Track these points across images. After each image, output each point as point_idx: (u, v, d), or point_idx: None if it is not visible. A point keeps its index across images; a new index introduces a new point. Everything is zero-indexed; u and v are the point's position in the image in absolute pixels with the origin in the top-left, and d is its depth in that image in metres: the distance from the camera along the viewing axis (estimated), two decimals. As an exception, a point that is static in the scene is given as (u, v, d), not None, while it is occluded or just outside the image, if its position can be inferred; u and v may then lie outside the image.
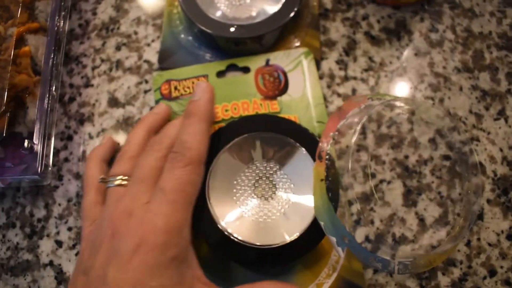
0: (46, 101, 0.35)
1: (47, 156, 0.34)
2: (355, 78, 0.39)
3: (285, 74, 0.38)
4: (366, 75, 0.39)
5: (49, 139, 0.35)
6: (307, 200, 0.32)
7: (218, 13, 0.39)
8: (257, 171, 0.34)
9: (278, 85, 0.38)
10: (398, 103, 0.35)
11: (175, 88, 0.38)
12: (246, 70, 0.39)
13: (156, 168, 0.29)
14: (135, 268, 0.25)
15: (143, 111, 0.38)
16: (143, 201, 0.28)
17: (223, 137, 0.33)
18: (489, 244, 0.34)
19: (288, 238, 0.31)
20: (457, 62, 0.40)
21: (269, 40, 0.39)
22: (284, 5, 0.38)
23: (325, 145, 0.33)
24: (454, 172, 0.36)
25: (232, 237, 0.31)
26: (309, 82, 0.38)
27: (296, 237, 0.31)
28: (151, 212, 0.27)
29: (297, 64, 0.38)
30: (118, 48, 0.40)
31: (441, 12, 0.41)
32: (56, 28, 0.36)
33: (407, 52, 0.40)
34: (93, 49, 0.41)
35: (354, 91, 0.38)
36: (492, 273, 0.33)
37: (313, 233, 0.31)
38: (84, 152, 0.37)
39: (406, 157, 0.36)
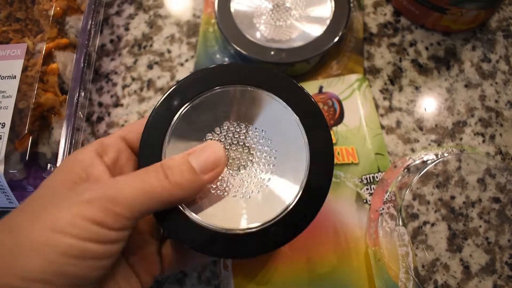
0: (72, 123, 0.33)
1: (72, 179, 0.33)
2: (400, 109, 0.36)
3: (339, 102, 0.36)
4: (412, 106, 0.37)
5: (75, 161, 0.33)
6: (292, 174, 0.26)
7: (257, 34, 0.36)
8: (230, 135, 0.27)
9: (333, 114, 0.36)
10: (440, 162, 0.34)
11: None
12: None
13: None
14: None
15: (173, 134, 0.36)
16: None
17: (183, 94, 0.26)
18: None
19: (261, 222, 0.25)
20: (511, 96, 0.37)
21: (316, 59, 0.36)
22: (327, 28, 0.36)
23: (376, 223, 0.32)
24: (504, 216, 0.33)
25: (191, 218, 0.24)
26: (365, 111, 0.36)
27: (276, 220, 0.25)
28: None
29: (352, 92, 0.36)
30: (150, 66, 0.39)
31: (494, 40, 0.39)
32: (86, 45, 0.35)
33: (456, 83, 0.37)
34: (124, 66, 0.39)
35: (398, 123, 0.36)
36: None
37: (296, 216, 0.25)
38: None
39: (452, 197, 0.34)
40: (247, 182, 0.26)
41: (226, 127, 0.27)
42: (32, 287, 0.19)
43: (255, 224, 0.25)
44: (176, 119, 0.26)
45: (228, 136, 0.27)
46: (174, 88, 0.26)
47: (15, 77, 0.33)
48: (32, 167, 0.33)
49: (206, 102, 0.26)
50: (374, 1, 0.40)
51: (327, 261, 0.32)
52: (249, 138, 0.27)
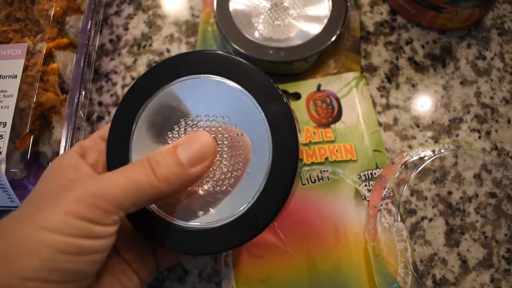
0: (72, 122, 0.33)
1: (73, 178, 0.33)
2: (397, 106, 0.37)
3: (337, 100, 0.36)
4: (409, 103, 0.37)
5: (75, 160, 0.33)
6: (259, 160, 0.25)
7: (255, 33, 0.37)
8: (196, 125, 0.26)
9: (331, 112, 0.36)
10: (437, 158, 0.35)
11: None
12: (297, 96, 0.37)
13: None
14: None
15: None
16: None
17: (141, 92, 0.26)
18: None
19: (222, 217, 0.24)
20: (506, 93, 0.37)
21: (314, 57, 0.37)
22: (325, 27, 0.36)
23: (374, 219, 0.33)
24: (500, 211, 0.34)
25: (154, 213, 0.25)
26: (363, 108, 0.36)
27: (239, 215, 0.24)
28: None
29: (349, 90, 0.37)
30: (149, 66, 0.39)
31: (489, 38, 0.39)
32: (86, 45, 0.35)
33: (452, 81, 0.38)
34: (124, 66, 0.39)
35: (396, 120, 0.36)
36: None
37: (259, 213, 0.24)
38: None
39: (450, 193, 0.34)
40: (215, 174, 0.25)
41: (191, 118, 0.26)
42: (30, 286, 0.19)
43: (223, 218, 0.24)
44: (142, 112, 0.26)
45: (195, 126, 0.26)
46: (136, 82, 0.26)
47: (16, 76, 0.33)
48: (33, 166, 0.33)
49: (168, 95, 0.26)
50: (370, 0, 0.41)
51: (327, 257, 0.32)
52: (214, 127, 0.26)
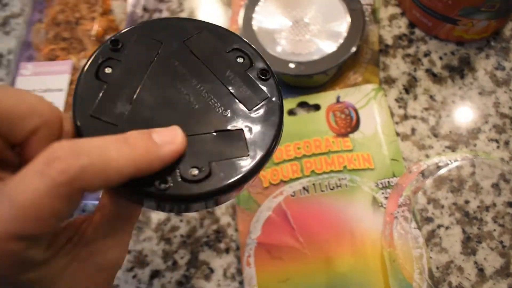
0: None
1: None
2: (415, 117, 0.38)
3: (356, 111, 0.38)
4: (427, 114, 0.38)
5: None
6: None
7: (278, 48, 0.39)
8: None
9: (349, 122, 0.38)
10: (453, 165, 0.35)
11: None
12: (316, 107, 0.39)
13: None
14: None
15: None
16: None
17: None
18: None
19: None
20: (525, 103, 0.38)
21: (333, 70, 0.39)
22: (344, 41, 0.38)
23: (391, 226, 0.34)
24: (519, 220, 0.34)
25: None
26: (381, 119, 0.37)
27: None
28: None
29: (368, 101, 0.38)
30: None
31: (508, 48, 0.40)
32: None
33: (470, 91, 0.39)
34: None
35: (413, 130, 0.38)
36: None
37: None
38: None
39: (467, 202, 0.35)
40: None
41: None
42: None
43: None
44: None
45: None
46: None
47: (62, 90, 0.37)
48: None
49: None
50: (389, 14, 0.42)
51: (345, 261, 0.34)
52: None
